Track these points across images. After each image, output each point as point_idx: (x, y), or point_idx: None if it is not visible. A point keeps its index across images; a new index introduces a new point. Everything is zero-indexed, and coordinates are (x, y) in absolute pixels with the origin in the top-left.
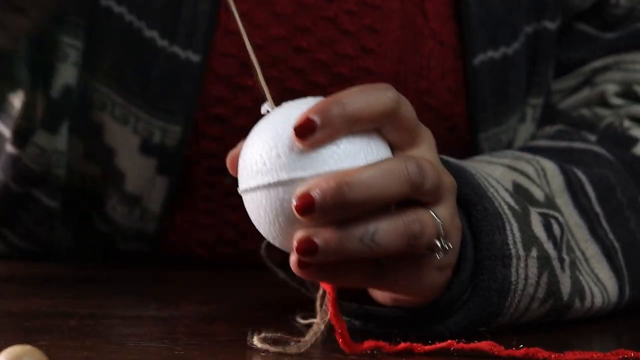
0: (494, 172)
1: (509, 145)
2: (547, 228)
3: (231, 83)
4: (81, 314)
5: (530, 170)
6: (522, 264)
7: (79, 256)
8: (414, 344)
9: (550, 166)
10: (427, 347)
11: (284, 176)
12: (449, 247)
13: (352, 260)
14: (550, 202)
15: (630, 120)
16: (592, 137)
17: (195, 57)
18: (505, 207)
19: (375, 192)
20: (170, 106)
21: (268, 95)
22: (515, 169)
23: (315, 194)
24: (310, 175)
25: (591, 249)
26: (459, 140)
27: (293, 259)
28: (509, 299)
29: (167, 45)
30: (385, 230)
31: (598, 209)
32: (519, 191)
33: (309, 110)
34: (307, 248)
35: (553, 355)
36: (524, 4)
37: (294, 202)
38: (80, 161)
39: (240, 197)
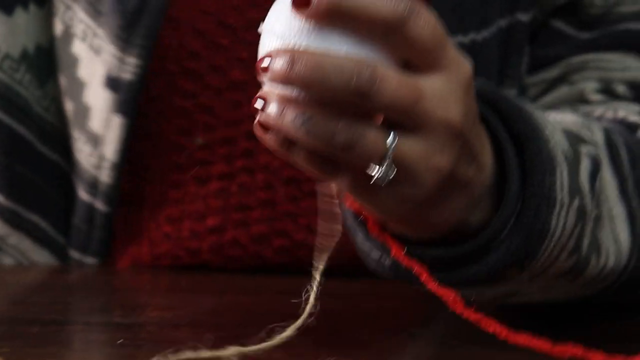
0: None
1: None
2: (592, 178)
3: (207, 40)
4: (44, 320)
5: (577, 119)
6: (563, 212)
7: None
8: (399, 248)
9: (593, 121)
10: (404, 258)
11: (267, 27)
12: (388, 175)
13: (306, 150)
14: (597, 147)
15: (621, 110)
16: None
17: None
18: (559, 150)
19: (317, 78)
20: (130, 37)
21: None
22: (562, 121)
23: (269, 61)
24: (282, 38)
25: (618, 208)
26: None
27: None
28: (545, 244)
29: None
30: (317, 123)
31: (628, 172)
32: (570, 135)
33: None
34: (258, 103)
35: (505, 332)
36: None
37: (259, 59)
38: (60, 97)
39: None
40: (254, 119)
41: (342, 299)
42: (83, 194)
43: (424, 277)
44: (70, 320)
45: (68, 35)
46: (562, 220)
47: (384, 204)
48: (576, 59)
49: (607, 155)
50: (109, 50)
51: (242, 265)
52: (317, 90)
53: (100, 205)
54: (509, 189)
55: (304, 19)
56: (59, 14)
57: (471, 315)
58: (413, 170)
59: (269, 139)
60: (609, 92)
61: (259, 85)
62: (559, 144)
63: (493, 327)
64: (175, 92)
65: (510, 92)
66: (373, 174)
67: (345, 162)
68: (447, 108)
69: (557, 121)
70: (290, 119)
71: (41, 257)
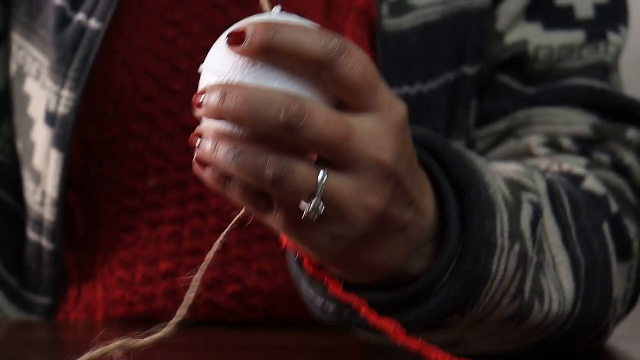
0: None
1: None
2: (534, 225)
3: (161, 84)
4: None
5: (520, 168)
6: (504, 256)
7: None
8: (336, 285)
9: (535, 171)
10: (342, 294)
11: (206, 66)
12: (319, 208)
13: (239, 184)
14: (539, 196)
15: (566, 163)
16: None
17: (96, 25)
18: (500, 196)
19: (246, 112)
20: (67, 70)
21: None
22: (504, 170)
23: (203, 97)
24: (218, 75)
25: (561, 256)
26: None
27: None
28: (487, 288)
29: (74, 13)
30: (247, 157)
31: (571, 221)
32: (511, 183)
33: (250, 23)
34: (193, 137)
35: (447, 358)
36: (443, 50)
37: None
38: (14, 137)
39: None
40: None
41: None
42: (31, 234)
43: (364, 310)
44: None
45: (21, 74)
46: (502, 264)
47: (317, 243)
48: (522, 114)
49: (550, 204)
50: (49, 85)
51: (195, 314)
52: (247, 124)
53: (46, 243)
54: (449, 234)
55: (238, 56)
56: (13, 54)
57: (413, 344)
58: (344, 208)
59: (206, 175)
60: (554, 146)
61: None
62: (499, 191)
63: (435, 354)
64: (128, 136)
65: (459, 144)
66: (303, 210)
67: (277, 198)
68: (379, 147)
69: (499, 169)
70: (222, 154)
71: None
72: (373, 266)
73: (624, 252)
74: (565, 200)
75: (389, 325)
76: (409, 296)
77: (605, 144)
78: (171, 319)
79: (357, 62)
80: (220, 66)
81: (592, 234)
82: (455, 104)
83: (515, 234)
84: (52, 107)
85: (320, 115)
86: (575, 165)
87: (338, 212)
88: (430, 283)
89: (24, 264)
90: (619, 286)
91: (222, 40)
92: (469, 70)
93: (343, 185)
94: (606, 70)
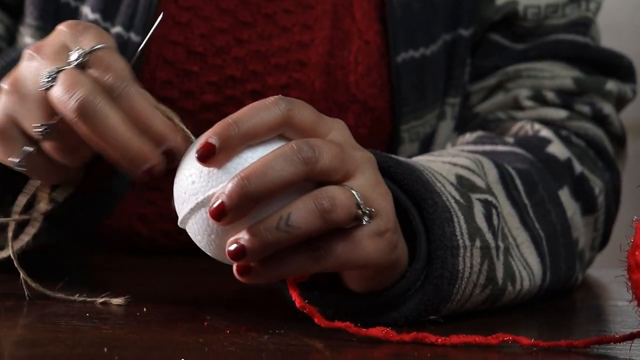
0: (439, 168)
1: (427, 139)
2: (488, 218)
3: (177, 68)
4: (17, 295)
5: (469, 163)
6: (468, 254)
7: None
8: (317, 315)
9: (485, 160)
10: (328, 323)
11: (200, 197)
12: (370, 211)
13: (286, 253)
14: (489, 190)
15: (539, 123)
16: (510, 140)
17: (136, 38)
18: (452, 201)
19: (272, 177)
20: None
21: (188, 132)
22: (455, 164)
23: (223, 197)
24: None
25: (521, 236)
26: (383, 130)
27: (234, 268)
28: (457, 286)
29: (110, 26)
30: (297, 212)
31: (526, 200)
32: (462, 182)
33: (208, 134)
34: (236, 251)
35: (440, 340)
36: (441, 13)
37: (209, 212)
38: None
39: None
40: None
41: None
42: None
43: (352, 330)
44: (42, 295)
45: None
46: (467, 262)
47: (367, 247)
48: (511, 69)
49: (504, 191)
50: None
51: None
52: (277, 187)
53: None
54: (420, 245)
55: (213, 166)
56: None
57: (405, 338)
58: (372, 201)
59: (260, 278)
60: (539, 99)
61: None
62: (450, 196)
63: (429, 339)
64: None
65: (455, 100)
66: (359, 218)
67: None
68: (359, 149)
69: (450, 167)
70: (274, 230)
71: None
72: (399, 260)
73: (589, 207)
74: (518, 182)
75: (379, 332)
76: (385, 302)
77: (586, 96)
78: None
79: (302, 107)
80: (214, 180)
81: (550, 205)
82: (452, 64)
83: (474, 231)
84: None
85: (321, 142)
86: (546, 126)
87: (373, 207)
88: (406, 288)
89: None
90: (586, 236)
91: (194, 165)
92: (465, 32)
93: (361, 186)
94: (587, 25)
